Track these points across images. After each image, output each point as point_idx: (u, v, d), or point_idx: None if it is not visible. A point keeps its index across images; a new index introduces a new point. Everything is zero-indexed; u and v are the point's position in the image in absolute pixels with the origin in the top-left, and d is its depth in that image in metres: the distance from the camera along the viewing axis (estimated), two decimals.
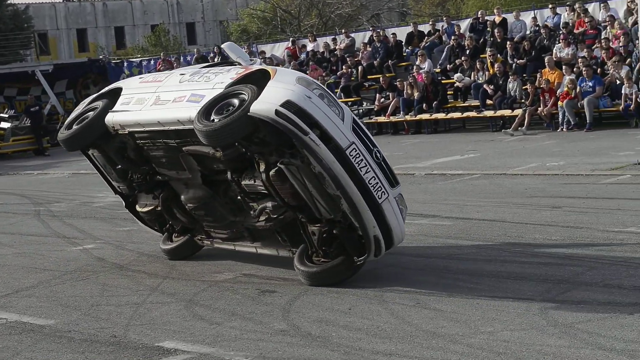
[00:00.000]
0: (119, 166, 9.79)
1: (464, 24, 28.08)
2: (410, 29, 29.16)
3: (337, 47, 29.55)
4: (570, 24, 24.31)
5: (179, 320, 7.51)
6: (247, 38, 47.88)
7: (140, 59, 39.30)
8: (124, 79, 34.80)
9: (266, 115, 7.71)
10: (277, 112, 7.66)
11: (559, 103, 21.88)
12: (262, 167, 8.19)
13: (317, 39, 31.55)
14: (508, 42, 24.70)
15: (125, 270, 9.79)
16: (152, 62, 35.93)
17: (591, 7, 25.29)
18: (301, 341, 6.70)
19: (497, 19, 26.20)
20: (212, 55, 32.69)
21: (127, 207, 10.52)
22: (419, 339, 6.55)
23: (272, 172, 8.09)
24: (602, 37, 22.94)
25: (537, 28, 25.20)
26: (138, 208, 10.29)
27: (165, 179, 9.65)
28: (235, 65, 9.18)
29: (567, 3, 26.55)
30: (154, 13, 64.70)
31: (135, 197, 10.25)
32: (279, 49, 32.27)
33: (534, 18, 25.85)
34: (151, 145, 9.23)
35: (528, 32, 25.56)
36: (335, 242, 8.33)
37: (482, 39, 26.04)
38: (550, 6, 26.19)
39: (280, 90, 7.85)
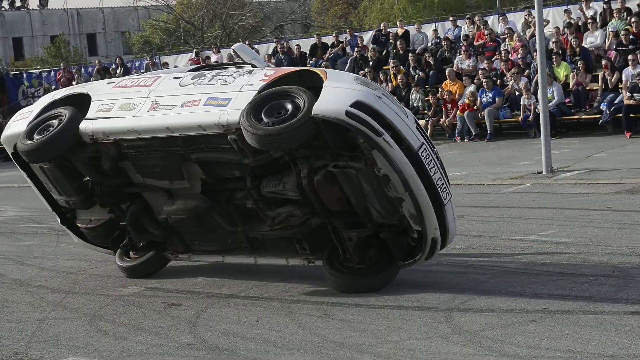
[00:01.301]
0: (86, 178, 8.92)
1: (367, 36, 28.47)
2: (314, 40, 29.38)
3: None
4: (471, 36, 24.81)
5: (82, 336, 7.37)
6: (150, 49, 47.48)
7: (40, 70, 38.59)
8: (24, 90, 34.44)
9: (335, 117, 7.27)
10: (347, 113, 7.22)
11: (459, 114, 22.26)
12: (305, 171, 7.76)
13: (221, 50, 31.48)
14: (410, 54, 25.07)
15: (26, 285, 9.56)
16: (52, 73, 35.30)
17: (490, 20, 25.92)
18: (208, 354, 6.64)
19: (400, 31, 26.56)
20: (114, 66, 32.32)
21: (64, 224, 9.77)
22: (326, 349, 6.55)
23: (318, 177, 7.64)
24: (502, 49, 23.46)
25: (439, 40, 25.69)
26: (79, 224, 9.56)
27: (138, 191, 8.94)
28: (249, 66, 8.53)
29: (467, 16, 27.10)
30: (53, 24, 63.69)
31: (73, 213, 9.55)
32: (182, 61, 32.04)
33: (435, 30, 26.36)
34: (144, 153, 8.45)
35: (430, 44, 26.01)
36: (372, 247, 8.05)
37: (384, 51, 26.38)
38: (451, 19, 26.76)
39: (344, 91, 7.45)
